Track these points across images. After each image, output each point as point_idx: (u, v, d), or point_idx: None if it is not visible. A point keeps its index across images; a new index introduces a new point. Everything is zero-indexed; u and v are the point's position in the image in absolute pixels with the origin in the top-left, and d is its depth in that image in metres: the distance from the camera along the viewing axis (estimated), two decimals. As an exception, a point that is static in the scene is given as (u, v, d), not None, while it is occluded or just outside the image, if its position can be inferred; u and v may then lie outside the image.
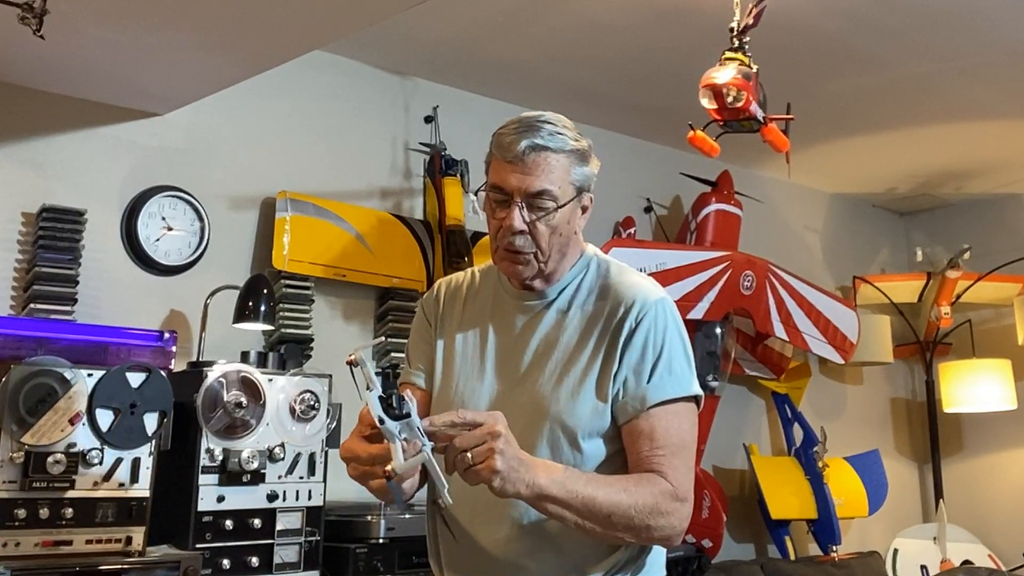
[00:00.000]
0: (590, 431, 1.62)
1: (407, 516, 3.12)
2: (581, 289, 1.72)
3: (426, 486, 1.73)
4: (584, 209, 1.73)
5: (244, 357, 3.08)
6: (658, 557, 1.72)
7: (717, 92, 2.89)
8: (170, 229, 3.33)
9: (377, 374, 1.46)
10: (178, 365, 3.06)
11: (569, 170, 1.66)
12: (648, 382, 1.62)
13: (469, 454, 1.44)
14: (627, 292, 1.68)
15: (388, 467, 1.44)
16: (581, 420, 1.62)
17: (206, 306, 3.25)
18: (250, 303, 3.19)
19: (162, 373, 2.70)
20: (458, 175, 3.88)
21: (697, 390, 1.67)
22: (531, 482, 1.48)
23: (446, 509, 1.70)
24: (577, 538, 1.59)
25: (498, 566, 1.65)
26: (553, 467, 1.53)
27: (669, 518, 1.58)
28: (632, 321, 1.65)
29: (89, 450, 2.53)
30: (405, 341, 3.67)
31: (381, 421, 1.43)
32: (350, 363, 1.47)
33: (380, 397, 1.44)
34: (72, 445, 2.52)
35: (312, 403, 2.95)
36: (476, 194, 1.73)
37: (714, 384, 4.40)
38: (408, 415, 1.44)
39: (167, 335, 2.96)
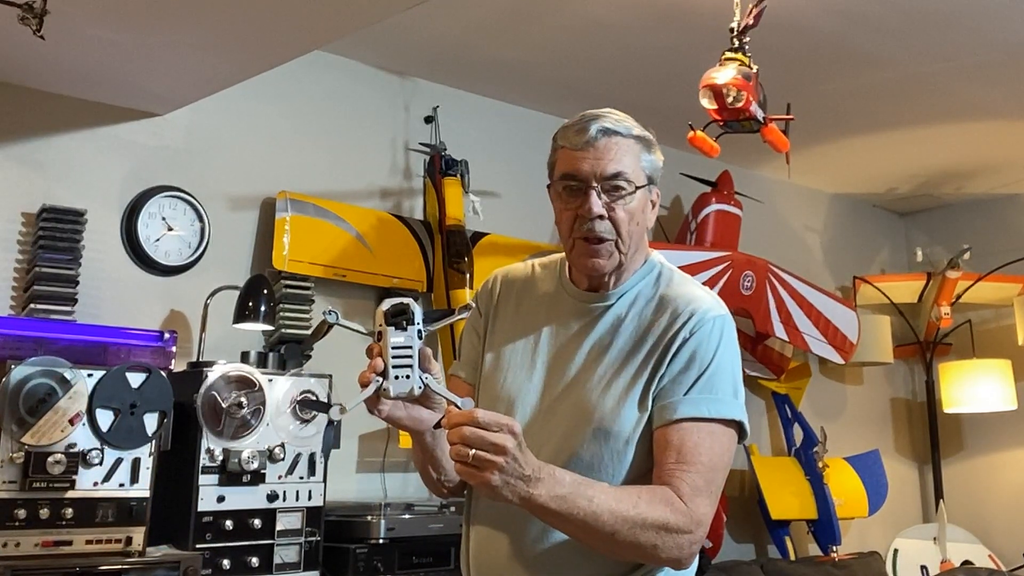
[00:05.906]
0: (632, 440, 1.58)
1: (407, 516, 3.13)
2: (641, 296, 1.68)
3: (467, 492, 1.73)
4: (653, 204, 1.70)
5: (244, 357, 3.08)
6: None
7: (717, 92, 2.89)
8: (170, 229, 3.33)
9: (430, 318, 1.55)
10: (178, 365, 3.06)
11: (639, 155, 1.64)
12: (685, 394, 1.57)
13: (472, 452, 1.38)
14: (686, 305, 1.64)
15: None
16: (624, 429, 1.58)
17: (206, 306, 3.25)
18: (250, 303, 3.19)
19: (162, 373, 2.71)
20: (458, 175, 3.88)
21: (739, 416, 1.61)
22: (527, 495, 1.42)
23: (471, 519, 1.71)
24: (591, 553, 1.55)
25: None
26: (560, 480, 1.46)
27: (677, 538, 1.50)
28: (686, 332, 1.60)
29: (89, 450, 2.54)
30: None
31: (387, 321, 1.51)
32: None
33: (386, 310, 1.51)
34: (72, 445, 2.52)
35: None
36: (549, 186, 1.70)
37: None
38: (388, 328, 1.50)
39: (167, 335, 2.96)
